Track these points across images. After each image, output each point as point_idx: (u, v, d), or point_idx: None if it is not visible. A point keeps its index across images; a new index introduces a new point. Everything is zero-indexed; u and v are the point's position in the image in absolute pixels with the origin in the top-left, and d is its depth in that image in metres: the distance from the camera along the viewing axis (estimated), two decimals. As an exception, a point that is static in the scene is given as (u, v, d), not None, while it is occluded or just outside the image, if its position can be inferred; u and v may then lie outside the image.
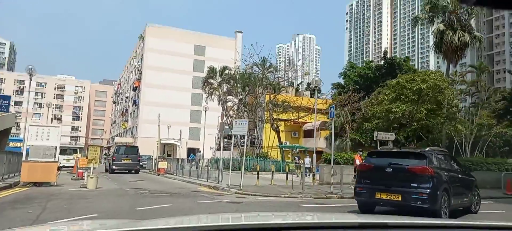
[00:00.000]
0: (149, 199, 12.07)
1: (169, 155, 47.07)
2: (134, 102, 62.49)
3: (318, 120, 25.36)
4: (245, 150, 18.49)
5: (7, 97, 31.42)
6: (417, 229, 2.07)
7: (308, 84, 64.97)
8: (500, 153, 32.03)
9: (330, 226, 2.00)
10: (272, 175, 17.84)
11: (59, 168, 22.72)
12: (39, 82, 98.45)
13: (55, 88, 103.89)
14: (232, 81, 37.20)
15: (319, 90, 30.81)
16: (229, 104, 38.18)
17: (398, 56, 74.37)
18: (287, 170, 19.41)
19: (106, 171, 28.06)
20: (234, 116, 35.86)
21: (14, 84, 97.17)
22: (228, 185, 15.55)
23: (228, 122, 33.02)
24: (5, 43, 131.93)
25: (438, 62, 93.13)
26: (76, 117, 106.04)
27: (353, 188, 15.98)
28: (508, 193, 17.17)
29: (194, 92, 57.48)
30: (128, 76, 74.48)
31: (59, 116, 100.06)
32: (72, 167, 24.88)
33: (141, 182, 19.22)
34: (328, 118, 30.95)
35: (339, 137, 28.96)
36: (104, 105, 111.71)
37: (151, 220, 2.49)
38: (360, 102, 30.56)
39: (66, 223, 5.95)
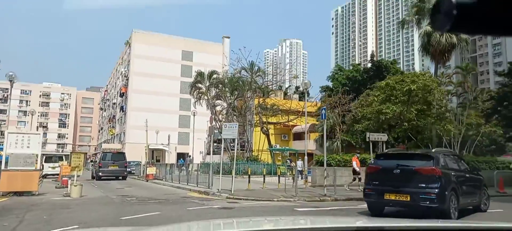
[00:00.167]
0: (136, 206, 11.55)
1: (158, 161, 46.41)
2: (122, 108, 61.50)
3: (308, 123, 25.17)
4: (235, 153, 18.13)
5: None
6: None
7: (297, 87, 65.03)
8: (487, 151, 32.41)
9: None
10: (264, 179, 17.46)
11: (44, 176, 22.00)
12: (23, 90, 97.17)
13: (40, 95, 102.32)
14: (220, 85, 36.88)
15: (308, 94, 30.71)
16: (218, 108, 37.81)
17: (384, 59, 75.21)
18: (278, 173, 19.07)
19: (93, 178, 27.58)
20: (223, 120, 35.49)
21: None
22: (218, 189, 15.13)
23: (218, 126, 32.64)
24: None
25: (423, 64, 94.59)
26: (62, 124, 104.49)
27: (347, 189, 16.03)
28: (500, 191, 17.21)
29: (182, 97, 56.83)
30: (115, 83, 73.38)
31: (45, 124, 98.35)
32: (57, 175, 24.16)
33: (129, 189, 18.66)
34: (317, 121, 30.94)
35: (329, 138, 28.84)
36: (91, 112, 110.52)
37: (140, 228, 2.31)
38: (350, 104, 30.57)
39: None
